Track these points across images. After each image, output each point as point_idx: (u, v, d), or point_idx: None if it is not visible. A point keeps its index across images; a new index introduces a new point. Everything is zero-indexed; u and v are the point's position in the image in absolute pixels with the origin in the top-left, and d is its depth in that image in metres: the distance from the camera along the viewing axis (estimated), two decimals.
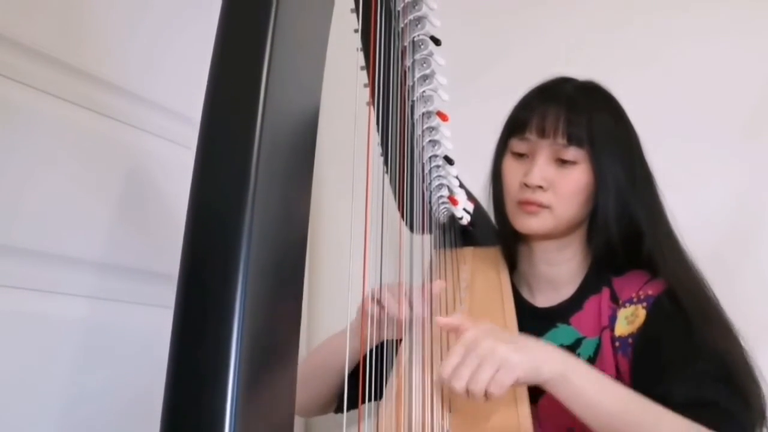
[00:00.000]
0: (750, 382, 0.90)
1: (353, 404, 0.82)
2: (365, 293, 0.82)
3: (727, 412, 0.85)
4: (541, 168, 0.99)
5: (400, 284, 0.90)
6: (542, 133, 0.99)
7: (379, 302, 0.91)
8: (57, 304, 1.04)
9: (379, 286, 0.90)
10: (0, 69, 0.98)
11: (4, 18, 0.98)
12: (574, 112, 0.99)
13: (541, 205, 0.99)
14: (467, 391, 0.78)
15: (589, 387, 0.81)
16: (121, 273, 1.14)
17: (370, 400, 0.77)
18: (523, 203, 1.00)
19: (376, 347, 0.87)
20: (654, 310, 0.95)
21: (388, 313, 0.91)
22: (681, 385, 0.87)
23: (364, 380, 0.76)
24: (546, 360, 0.80)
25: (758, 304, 1.28)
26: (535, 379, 0.80)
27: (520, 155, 1.02)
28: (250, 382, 0.46)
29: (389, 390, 0.88)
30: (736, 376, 0.88)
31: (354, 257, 0.69)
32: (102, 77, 1.13)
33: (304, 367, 1.10)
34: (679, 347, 0.91)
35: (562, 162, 0.99)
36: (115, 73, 1.15)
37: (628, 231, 1.00)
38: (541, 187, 0.99)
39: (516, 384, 0.79)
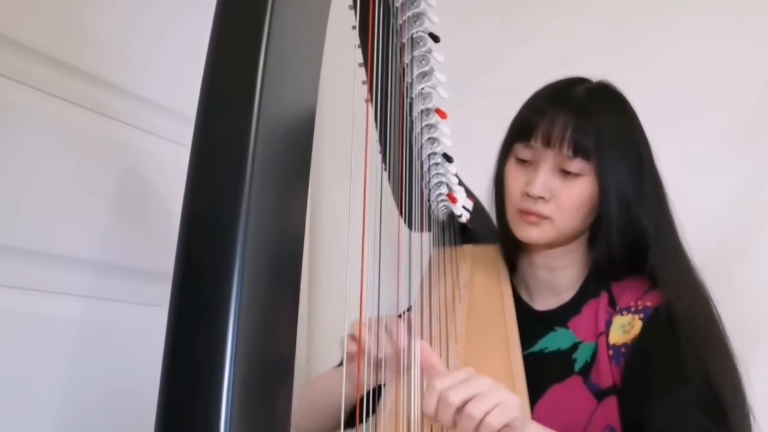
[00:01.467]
0: (739, 416, 0.88)
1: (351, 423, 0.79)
2: (359, 331, 0.76)
3: None
4: (544, 178, 0.96)
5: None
6: (548, 143, 0.96)
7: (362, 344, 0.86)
8: (54, 304, 1.04)
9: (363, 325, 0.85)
10: (0, 69, 0.98)
11: (4, 18, 0.98)
12: (583, 119, 0.95)
13: (542, 216, 0.97)
14: (454, 425, 0.74)
15: None
16: (118, 272, 1.14)
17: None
18: (524, 213, 0.98)
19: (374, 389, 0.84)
20: (650, 324, 0.94)
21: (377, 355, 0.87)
22: (665, 411, 0.86)
23: (361, 406, 0.74)
24: (526, 420, 0.79)
25: (757, 305, 1.28)
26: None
27: (524, 161, 1.00)
28: (246, 382, 0.46)
29: (387, 394, 0.87)
30: (725, 408, 0.86)
31: (352, 256, 0.69)
32: (102, 77, 1.13)
33: (302, 405, 1.07)
34: (669, 367, 0.90)
35: (566, 173, 0.96)
36: (114, 73, 1.15)
37: (631, 244, 0.98)
38: (542, 197, 0.96)
39: (506, 428, 0.74)
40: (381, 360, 0.88)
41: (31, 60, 1.03)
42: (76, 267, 1.08)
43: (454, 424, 0.74)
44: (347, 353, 0.87)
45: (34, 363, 1.01)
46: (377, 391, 0.86)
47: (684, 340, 0.90)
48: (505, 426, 0.74)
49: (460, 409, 0.74)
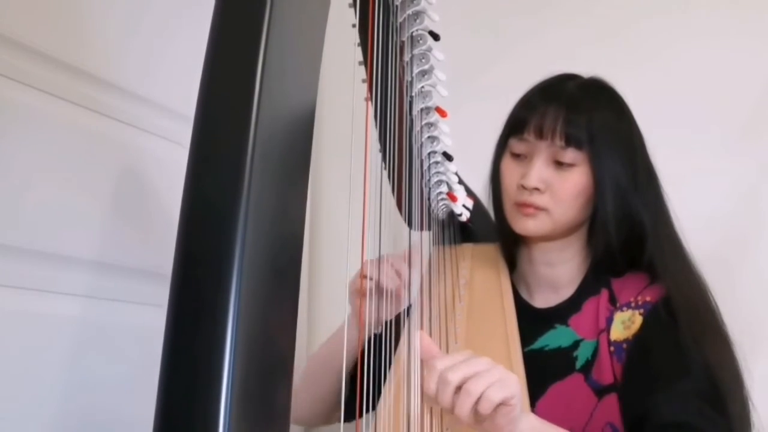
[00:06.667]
0: (739, 404, 0.89)
1: (352, 413, 0.79)
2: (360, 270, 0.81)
3: None
4: (539, 170, 0.98)
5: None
6: (540, 135, 0.98)
7: (371, 278, 0.91)
8: (53, 303, 1.04)
9: (369, 261, 0.89)
10: (0, 69, 0.98)
11: (4, 18, 0.98)
12: (574, 112, 0.97)
13: (538, 208, 0.98)
14: (453, 405, 0.74)
15: None
16: (118, 272, 1.14)
17: (368, 411, 0.75)
18: (520, 205, 0.99)
19: (375, 340, 0.85)
20: (650, 319, 0.94)
21: (385, 286, 0.91)
22: (667, 403, 0.87)
23: (361, 390, 0.74)
24: (525, 409, 0.79)
25: (758, 305, 1.28)
26: (518, 417, 0.76)
27: (518, 156, 1.01)
28: (245, 382, 0.46)
29: (387, 390, 0.87)
30: (725, 398, 0.87)
31: (352, 255, 0.69)
32: (102, 77, 1.13)
33: (306, 371, 1.11)
34: (670, 360, 0.91)
35: (560, 164, 0.98)
36: (114, 73, 1.15)
37: (629, 234, 0.99)
38: (538, 189, 0.98)
39: (503, 403, 0.74)
40: (386, 291, 0.92)
41: (31, 60, 1.02)
42: (76, 267, 1.08)
43: (453, 404, 0.74)
44: (355, 290, 0.92)
45: (32, 363, 1.01)
46: (376, 388, 0.86)
47: (684, 331, 0.91)
48: (503, 403, 0.74)
49: (459, 389, 0.74)
